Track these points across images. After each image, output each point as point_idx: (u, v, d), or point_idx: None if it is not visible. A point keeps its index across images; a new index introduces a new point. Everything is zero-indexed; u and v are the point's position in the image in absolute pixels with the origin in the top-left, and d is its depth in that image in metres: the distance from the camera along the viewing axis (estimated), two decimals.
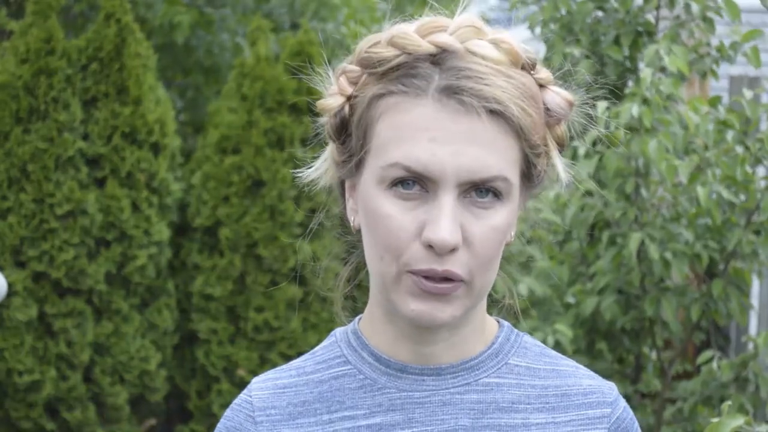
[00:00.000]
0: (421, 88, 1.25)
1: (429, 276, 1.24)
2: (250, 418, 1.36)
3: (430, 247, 1.23)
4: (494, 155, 1.24)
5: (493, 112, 1.24)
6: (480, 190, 1.25)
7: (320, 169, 1.39)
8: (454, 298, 1.25)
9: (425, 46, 1.27)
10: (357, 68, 1.31)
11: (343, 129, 1.33)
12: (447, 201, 1.23)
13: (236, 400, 1.39)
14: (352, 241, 1.41)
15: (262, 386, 1.38)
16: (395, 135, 1.26)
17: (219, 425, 1.39)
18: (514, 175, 1.27)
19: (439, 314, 1.25)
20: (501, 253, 1.30)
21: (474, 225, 1.25)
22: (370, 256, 1.30)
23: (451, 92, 1.24)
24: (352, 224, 1.35)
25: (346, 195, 1.36)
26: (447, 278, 1.24)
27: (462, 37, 1.27)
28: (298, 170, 1.41)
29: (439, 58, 1.26)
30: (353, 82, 1.32)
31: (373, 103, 1.28)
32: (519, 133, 1.26)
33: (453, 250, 1.23)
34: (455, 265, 1.24)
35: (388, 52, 1.28)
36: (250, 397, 1.38)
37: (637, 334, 4.14)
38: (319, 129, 1.38)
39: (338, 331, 1.41)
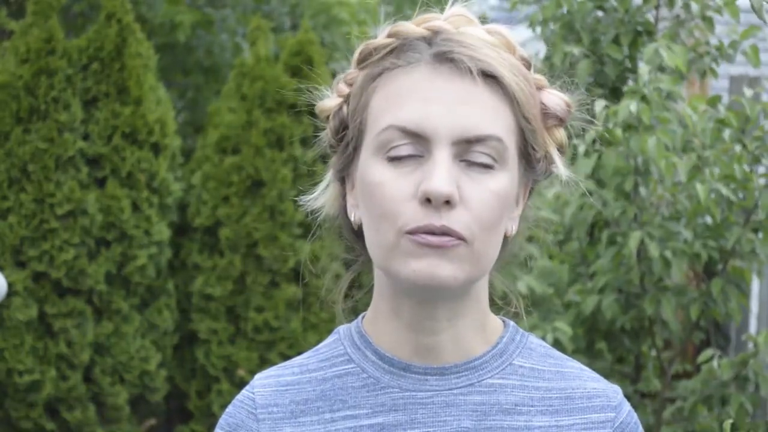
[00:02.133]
0: (414, 58, 1.28)
1: (428, 231, 1.24)
2: (252, 415, 1.36)
3: (426, 201, 1.23)
4: (488, 116, 1.26)
5: (486, 76, 1.26)
6: (476, 153, 1.25)
7: (322, 197, 1.40)
8: (455, 257, 1.24)
9: (418, 30, 1.30)
10: (353, 70, 1.34)
11: (341, 128, 1.34)
12: (441, 156, 1.24)
13: (238, 396, 1.39)
14: (352, 256, 1.42)
15: (264, 383, 1.38)
16: (389, 102, 1.27)
17: (221, 421, 1.39)
18: (509, 141, 1.28)
19: (439, 270, 1.24)
20: (501, 229, 1.29)
21: (471, 186, 1.25)
22: (370, 236, 1.30)
23: (443, 57, 1.27)
24: (353, 221, 1.35)
25: (346, 194, 1.36)
26: (447, 234, 1.24)
27: (454, 23, 1.31)
28: (303, 196, 1.42)
29: (430, 38, 1.29)
30: (350, 84, 1.34)
31: (368, 84, 1.31)
32: (513, 100, 1.28)
33: (449, 204, 1.23)
34: (453, 222, 1.24)
35: (383, 41, 1.31)
36: (253, 394, 1.38)
37: (637, 333, 4.14)
38: (322, 144, 1.39)
39: (342, 329, 1.41)
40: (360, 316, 1.41)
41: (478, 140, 1.25)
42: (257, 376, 1.40)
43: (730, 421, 2.35)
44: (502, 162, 1.27)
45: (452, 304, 1.31)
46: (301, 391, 1.36)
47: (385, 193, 1.25)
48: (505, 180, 1.27)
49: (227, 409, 1.39)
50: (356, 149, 1.32)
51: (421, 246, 1.24)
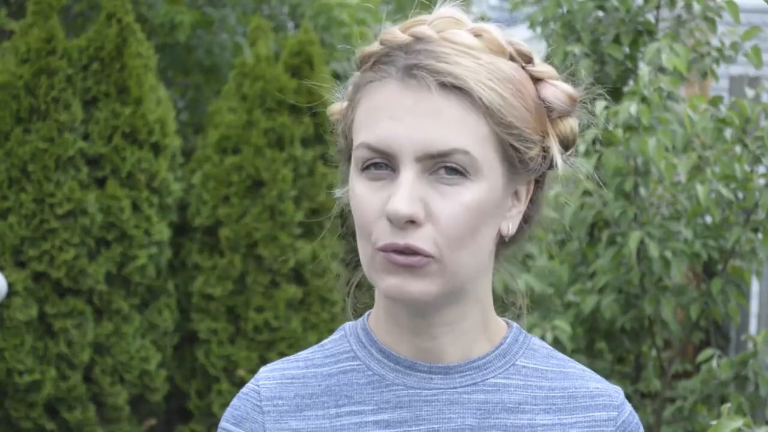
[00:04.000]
0: (387, 71, 1.28)
1: (394, 250, 1.25)
2: (258, 408, 1.37)
3: (392, 221, 1.25)
4: (452, 129, 1.25)
5: (446, 86, 1.26)
6: (446, 167, 1.26)
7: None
8: (425, 273, 1.26)
9: (401, 37, 1.30)
10: (358, 72, 1.35)
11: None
12: (406, 175, 1.25)
13: (243, 389, 1.40)
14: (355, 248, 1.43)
15: (269, 376, 1.39)
16: (365, 118, 1.29)
17: (226, 413, 1.39)
18: (483, 153, 1.27)
19: (409, 287, 1.26)
20: (480, 236, 1.29)
21: (439, 202, 1.25)
22: (357, 246, 1.32)
23: (409, 71, 1.27)
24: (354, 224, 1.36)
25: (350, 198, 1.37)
26: (414, 252, 1.25)
27: (438, 27, 1.30)
28: (334, 190, 1.43)
29: (410, 45, 1.29)
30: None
31: (354, 95, 1.32)
32: (485, 110, 1.26)
33: (414, 223, 1.24)
34: (419, 240, 1.24)
35: (373, 48, 1.32)
36: (258, 386, 1.38)
37: (637, 333, 4.14)
38: (335, 142, 1.40)
39: (348, 326, 1.42)
40: (366, 314, 1.41)
41: (442, 155, 1.25)
42: (262, 369, 1.41)
43: (728, 405, 2.35)
44: (474, 172, 1.26)
45: (449, 310, 1.32)
46: (306, 385, 1.37)
47: (361, 208, 1.28)
48: (478, 191, 1.27)
49: (232, 402, 1.40)
50: (348, 159, 1.34)
51: (391, 264, 1.26)
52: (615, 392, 1.39)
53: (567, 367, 1.40)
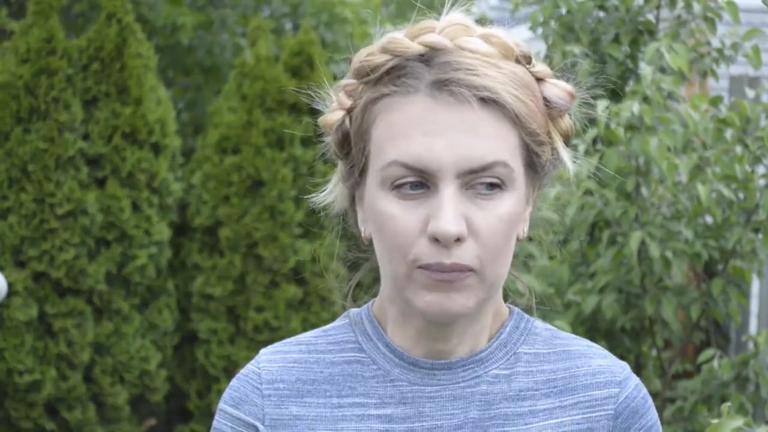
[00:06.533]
0: (413, 86, 1.26)
1: (438, 269, 1.24)
2: (258, 390, 1.35)
3: (436, 240, 1.23)
4: (491, 143, 1.25)
5: (485, 101, 1.25)
6: (482, 180, 1.25)
7: (333, 192, 1.39)
8: (465, 287, 1.25)
9: (414, 47, 1.28)
10: (353, 81, 1.32)
11: (345, 142, 1.34)
12: (448, 193, 1.24)
13: (243, 370, 1.38)
14: (360, 257, 1.42)
15: (271, 358, 1.37)
16: (390, 134, 1.26)
17: (225, 395, 1.37)
18: (515, 162, 1.27)
19: (450, 304, 1.25)
20: (512, 244, 1.30)
21: (479, 216, 1.25)
22: (381, 260, 1.30)
23: (441, 85, 1.25)
24: (363, 235, 1.35)
25: (356, 207, 1.36)
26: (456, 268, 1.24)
27: (450, 35, 1.28)
28: (311, 195, 1.41)
29: (428, 56, 1.27)
30: (351, 95, 1.33)
31: (368, 109, 1.29)
32: (515, 120, 1.26)
33: (459, 240, 1.24)
34: (463, 257, 1.24)
35: (380, 58, 1.29)
36: (259, 369, 1.36)
37: (637, 333, 4.14)
38: (326, 149, 1.38)
39: (353, 313, 1.40)
40: (370, 302, 1.40)
41: (483, 169, 1.24)
42: (263, 351, 1.39)
43: (728, 404, 2.35)
44: (510, 183, 1.26)
45: (469, 316, 1.31)
46: (308, 370, 1.36)
47: (394, 227, 1.25)
48: (512, 200, 1.27)
49: (231, 383, 1.38)
50: (362, 174, 1.31)
51: (433, 281, 1.25)
52: (619, 368, 1.37)
53: (572, 345, 1.39)
